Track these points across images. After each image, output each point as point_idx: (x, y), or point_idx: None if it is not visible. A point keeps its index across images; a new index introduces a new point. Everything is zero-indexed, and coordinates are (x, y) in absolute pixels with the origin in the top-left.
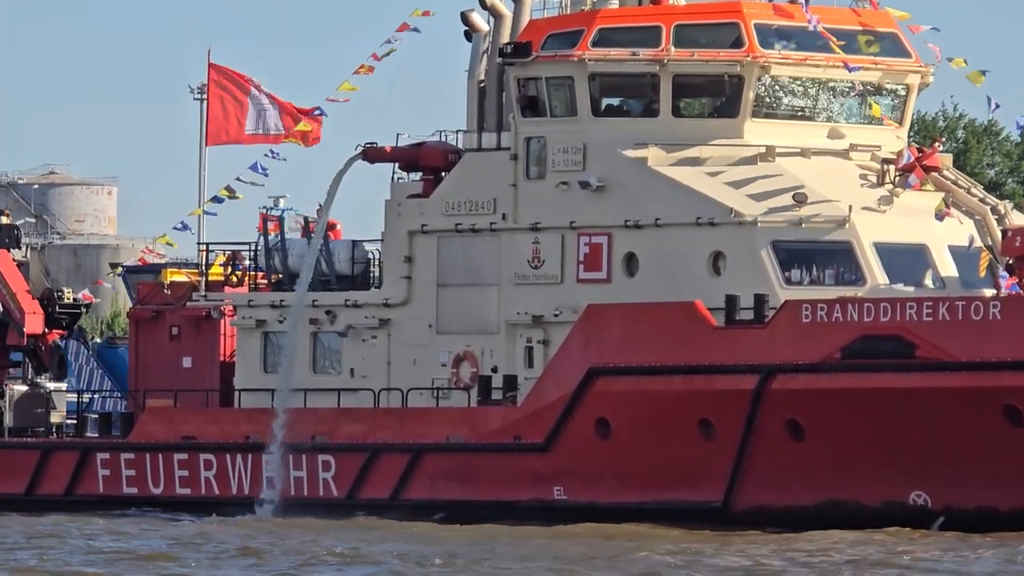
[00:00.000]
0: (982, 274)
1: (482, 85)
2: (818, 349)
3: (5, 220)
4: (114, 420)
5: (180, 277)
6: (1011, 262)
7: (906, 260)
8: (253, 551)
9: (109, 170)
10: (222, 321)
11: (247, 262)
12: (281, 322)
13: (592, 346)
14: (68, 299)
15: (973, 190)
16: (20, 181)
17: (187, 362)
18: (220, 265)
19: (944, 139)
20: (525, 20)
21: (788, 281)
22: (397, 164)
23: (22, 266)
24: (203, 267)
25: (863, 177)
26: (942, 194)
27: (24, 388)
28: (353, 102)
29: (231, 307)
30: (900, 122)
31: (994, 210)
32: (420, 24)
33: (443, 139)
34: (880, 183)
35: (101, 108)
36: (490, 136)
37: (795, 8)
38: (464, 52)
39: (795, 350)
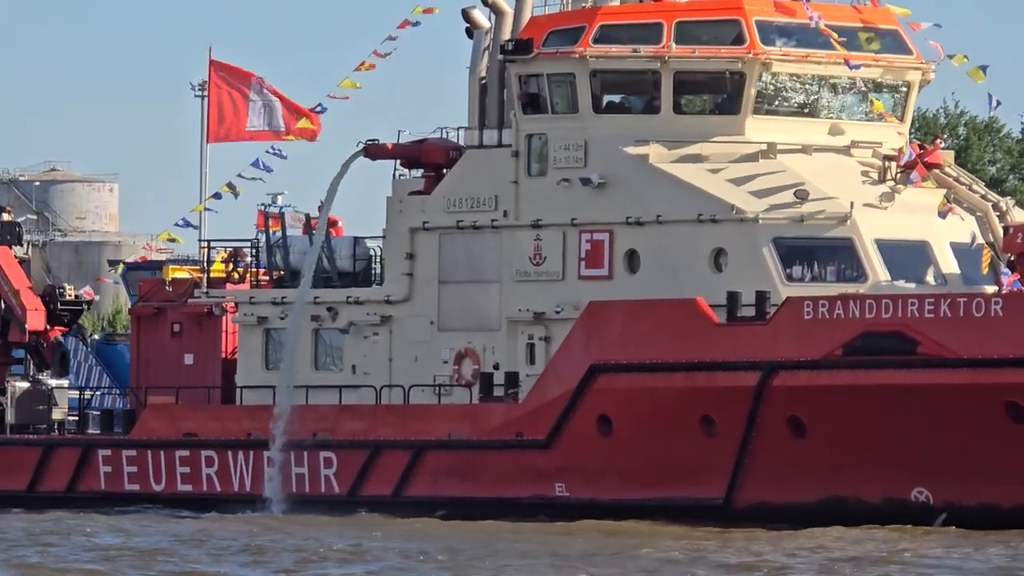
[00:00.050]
0: (985, 271)
1: (483, 82)
2: (819, 346)
3: (7, 217)
4: (116, 417)
5: (182, 274)
6: (1013, 259)
7: (908, 257)
8: (255, 548)
9: (110, 167)
10: (224, 318)
11: (249, 259)
12: (283, 319)
13: (594, 343)
14: (70, 296)
15: (975, 187)
16: (21, 178)
17: (189, 359)
18: (222, 262)
19: (945, 136)
20: (526, 17)
21: (789, 278)
22: (399, 161)
23: (24, 263)
24: (205, 264)
25: (864, 174)
26: (943, 191)
27: (26, 385)
28: (354, 99)
29: (233, 304)
30: (901, 119)
31: (996, 207)
32: (421, 20)
33: (444, 136)
34: (881, 180)
35: (102, 105)
36: (491, 133)
37: (796, 5)
38: (465, 49)
39: (797, 347)
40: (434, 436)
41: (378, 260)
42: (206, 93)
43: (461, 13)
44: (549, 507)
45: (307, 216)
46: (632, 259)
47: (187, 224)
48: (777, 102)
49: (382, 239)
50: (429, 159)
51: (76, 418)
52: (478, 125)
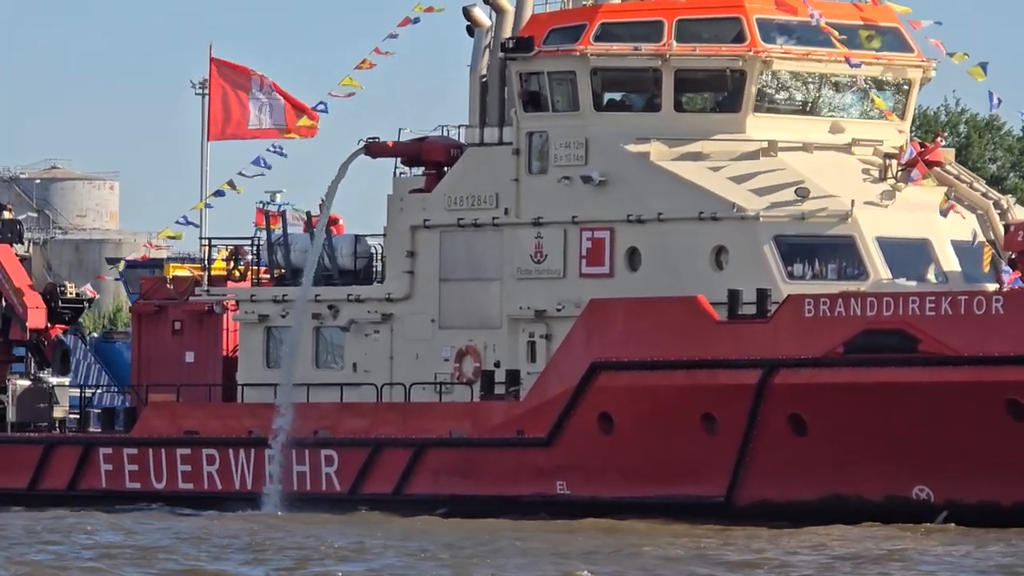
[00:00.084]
0: (986, 269)
1: (484, 80)
2: (821, 344)
3: (7, 215)
4: (117, 415)
5: (183, 272)
6: (1014, 257)
7: (908, 255)
8: (256, 546)
9: (111, 165)
10: (225, 316)
11: (249, 257)
12: (284, 317)
13: (594, 341)
14: (71, 294)
15: (975, 185)
16: (22, 176)
17: (190, 357)
18: (223, 260)
19: (946, 134)
20: (527, 15)
21: (791, 276)
22: (399, 159)
23: (24, 261)
24: (206, 262)
25: (865, 172)
26: (944, 189)
27: (27, 383)
28: (355, 97)
29: (234, 302)
30: (902, 117)
31: (996, 205)
32: (422, 18)
33: (445, 134)
34: (882, 178)
35: (103, 103)
36: (492, 131)
37: (797, 3)
38: (466, 47)
39: (798, 345)
40: (435, 434)
41: (379, 258)
42: (207, 91)
43: (462, 11)
44: (550, 505)
45: (308, 214)
46: (633, 257)
47: (188, 222)
48: (778, 100)
49: (383, 237)
50: (430, 157)
51: (77, 416)
52: (479, 123)
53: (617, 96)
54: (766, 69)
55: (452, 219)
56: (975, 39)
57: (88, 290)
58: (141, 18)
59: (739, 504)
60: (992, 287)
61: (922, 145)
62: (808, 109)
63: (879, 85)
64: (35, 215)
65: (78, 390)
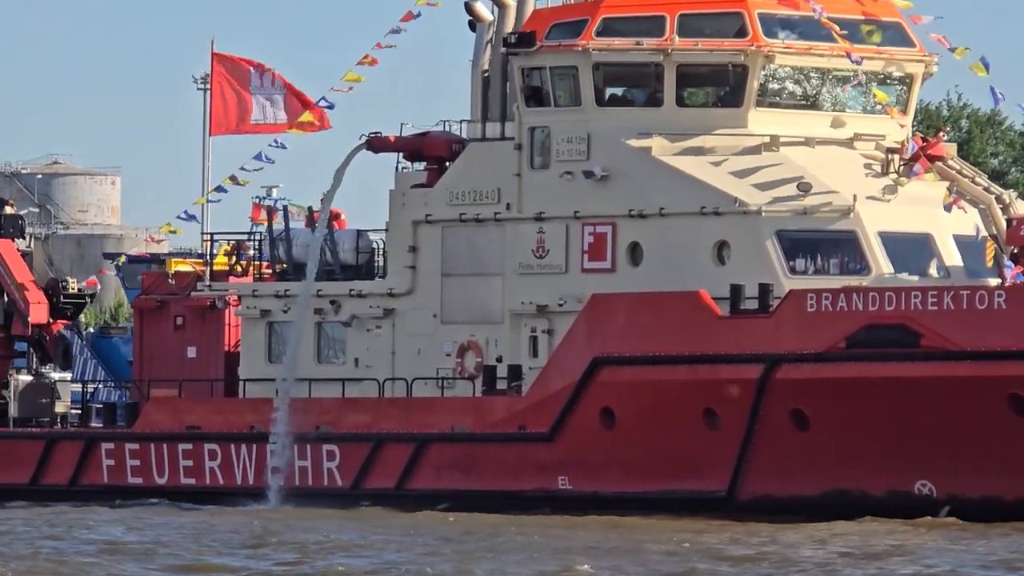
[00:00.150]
0: (989, 264)
1: (486, 75)
2: (823, 338)
3: (9, 210)
4: (119, 410)
5: (184, 267)
6: (1016, 251)
7: (911, 249)
8: (258, 541)
9: (112, 160)
10: (226, 311)
11: (251, 252)
12: (286, 312)
13: (596, 336)
14: (72, 289)
15: (977, 180)
16: (24, 171)
17: (192, 352)
18: (224, 255)
19: (948, 129)
20: (529, 10)
21: (793, 270)
22: (401, 154)
23: (26, 256)
24: (208, 257)
25: (867, 166)
26: (946, 183)
27: (29, 378)
28: (357, 92)
29: (235, 297)
30: (904, 112)
31: (999, 199)
32: (423, 12)
33: (447, 129)
34: (884, 172)
35: (104, 98)
36: (494, 126)
37: None
38: (468, 42)
39: (800, 339)
40: (437, 429)
41: (381, 253)
42: (208, 86)
43: (464, 6)
44: (552, 500)
45: (309, 209)
46: (635, 252)
47: (190, 217)
48: (780, 95)
49: (385, 232)
50: (432, 152)
51: (79, 411)
52: (481, 118)
53: (619, 91)
54: (768, 64)
55: (454, 214)
56: (977, 34)
57: (89, 281)
58: (143, 13)
59: (741, 499)
60: (994, 282)
61: (924, 140)
62: (810, 104)
63: (881, 80)
64: (37, 210)
65: (80, 385)
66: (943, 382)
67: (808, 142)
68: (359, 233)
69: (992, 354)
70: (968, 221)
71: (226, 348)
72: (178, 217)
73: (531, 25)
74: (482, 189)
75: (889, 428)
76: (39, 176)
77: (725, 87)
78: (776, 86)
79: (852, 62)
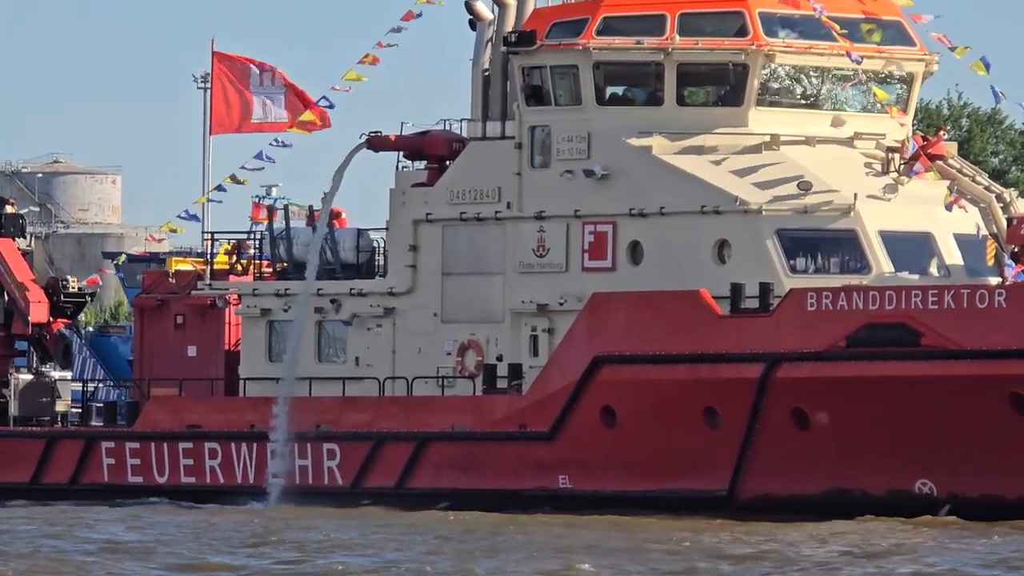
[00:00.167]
0: (991, 262)
1: (486, 74)
2: (823, 337)
3: (10, 209)
4: (119, 409)
5: (185, 266)
6: (1016, 250)
7: (911, 248)
8: (259, 539)
9: (113, 159)
10: (227, 310)
11: (252, 251)
12: (286, 311)
13: (597, 335)
14: (73, 288)
15: (978, 178)
16: (24, 170)
17: (192, 351)
18: (225, 254)
19: (948, 128)
20: (529, 9)
21: (793, 269)
22: (402, 153)
23: (27, 255)
24: (208, 256)
25: (868, 165)
26: (946, 182)
27: (29, 377)
28: (358, 91)
29: (236, 296)
30: (904, 110)
31: (999, 198)
32: (424, 12)
33: (448, 128)
34: (885, 171)
35: (105, 97)
36: (494, 125)
37: None
38: (468, 41)
39: (800, 338)
40: (437, 428)
41: (381, 252)
42: (209, 85)
43: (464, 5)
44: (552, 499)
45: (310, 208)
46: (635, 251)
47: (191, 217)
48: (780, 94)
49: (385, 231)
50: (432, 151)
51: (79, 410)
52: (481, 117)
53: (619, 90)
54: (768, 63)
55: (454, 213)
56: (977, 32)
57: (89, 280)
58: (143, 12)
59: (741, 498)
60: (995, 281)
61: (924, 139)
62: (810, 103)
63: (881, 79)
64: (37, 209)
65: (80, 384)
66: (943, 381)
67: (808, 141)
68: (360, 232)
69: (992, 353)
70: (968, 220)
71: (226, 347)
72: (179, 216)
73: (531, 24)
74: (482, 188)
75: (889, 427)
76: (40, 175)
77: (725, 86)
78: (776, 85)
79: (852, 61)
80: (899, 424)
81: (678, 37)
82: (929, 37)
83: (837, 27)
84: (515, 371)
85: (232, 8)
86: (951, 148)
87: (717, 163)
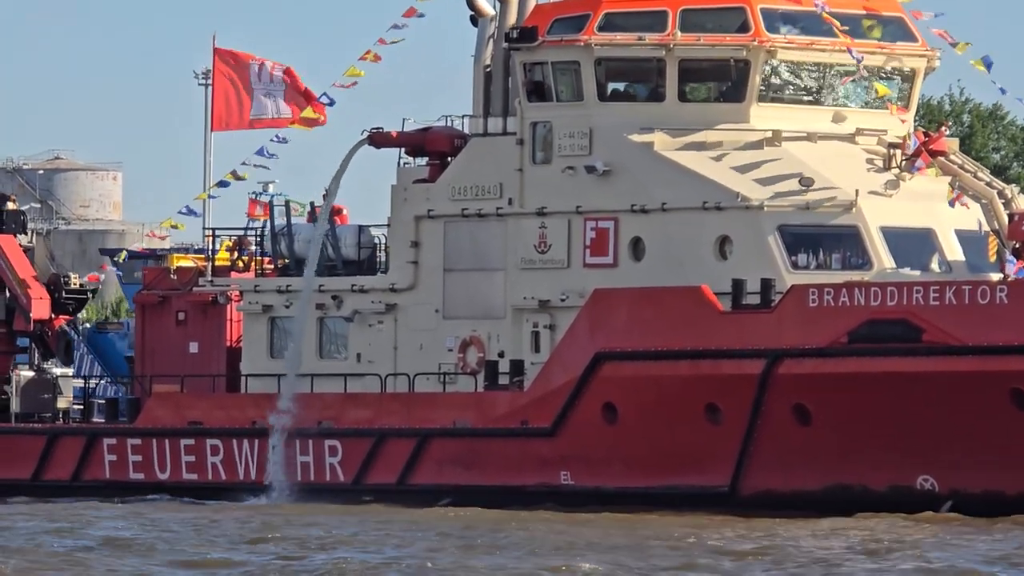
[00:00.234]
0: (993, 259)
1: (488, 70)
2: (825, 333)
3: (11, 205)
4: (121, 405)
5: (186, 262)
6: (1018, 246)
7: (913, 244)
8: (260, 536)
9: (114, 155)
10: (228, 306)
11: (253, 247)
12: (287, 307)
13: (598, 331)
14: (74, 284)
15: (979, 174)
16: (25, 166)
17: (193, 347)
18: (226, 250)
19: (950, 123)
20: (531, 5)
21: (795, 265)
22: (403, 149)
23: (28, 251)
24: (209, 252)
25: (869, 161)
26: (948, 178)
27: (31, 373)
28: (359, 88)
29: (237, 292)
30: (906, 106)
31: (1001, 194)
32: (426, 9)
33: (449, 124)
34: (886, 167)
35: (106, 93)
36: (496, 121)
37: None
38: (470, 37)
39: (802, 334)
40: (439, 424)
41: (383, 248)
42: (210, 82)
43: (465, 1)
44: (554, 495)
45: (311, 204)
46: (637, 247)
47: (190, 211)
48: (782, 90)
49: (387, 227)
50: (434, 147)
51: (81, 407)
52: (483, 113)
53: (621, 86)
54: (770, 59)
55: (456, 209)
56: (979, 28)
57: (90, 276)
58: (144, 9)
59: (743, 494)
60: (996, 277)
61: (926, 135)
62: (812, 99)
63: (885, 76)
64: (38, 205)
65: (82, 381)
66: (945, 377)
67: (810, 137)
68: (361, 228)
69: (994, 349)
70: (970, 216)
71: (228, 343)
72: (179, 212)
73: (533, 20)
74: (484, 184)
75: (891, 423)
76: (41, 172)
77: (727, 82)
78: (778, 81)
79: (853, 57)
80: (901, 420)
81: (680, 33)
82: (930, 33)
83: (838, 23)
84: (517, 367)
85: (233, 5)
86: (952, 144)
87: (719, 159)
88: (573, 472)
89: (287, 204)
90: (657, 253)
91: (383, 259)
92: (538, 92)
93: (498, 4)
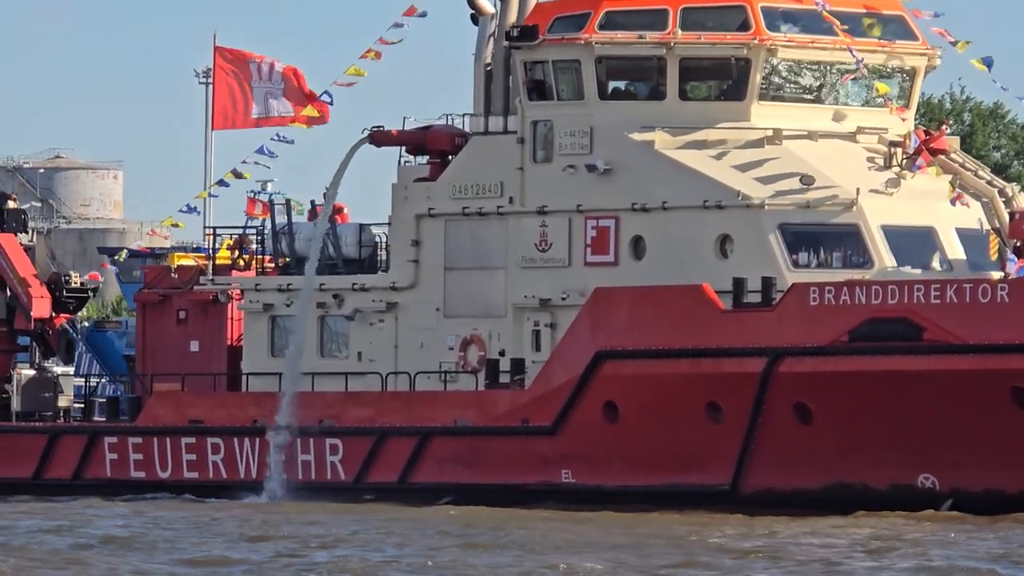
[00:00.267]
0: (994, 257)
1: (489, 68)
2: (826, 332)
3: (12, 204)
4: (122, 404)
5: (187, 261)
6: (1018, 245)
7: (913, 243)
8: (260, 534)
9: (115, 154)
10: (229, 305)
11: (254, 246)
12: (288, 306)
13: (599, 329)
14: (75, 283)
15: (980, 173)
16: (26, 165)
17: (194, 346)
18: (227, 249)
19: (951, 122)
20: (532, 3)
21: (795, 264)
22: (404, 148)
23: (29, 250)
24: (210, 251)
25: (870, 160)
26: (950, 177)
27: (32, 372)
28: (360, 86)
29: (238, 291)
30: (907, 105)
31: (1001, 193)
32: (427, 7)
33: (450, 123)
34: (887, 166)
35: (106, 92)
36: (497, 119)
37: None
38: (470, 35)
39: (803, 333)
40: (440, 423)
41: (384, 247)
42: (211, 80)
43: (466, 0)
44: (555, 494)
45: (312, 203)
46: (638, 245)
47: (191, 209)
48: (783, 88)
49: (387, 226)
50: (434, 146)
51: (82, 405)
52: (483, 112)
53: (622, 85)
54: (771, 57)
55: (457, 208)
56: (979, 27)
57: (91, 275)
58: (145, 7)
59: (744, 492)
60: (997, 275)
61: (927, 133)
62: (813, 97)
63: (886, 75)
64: (39, 204)
65: (83, 379)
66: (946, 375)
67: (811, 135)
68: (362, 227)
69: (995, 347)
70: (971, 215)
71: (229, 342)
72: (180, 210)
73: (533, 18)
74: (485, 183)
75: (892, 421)
76: (41, 170)
77: (728, 81)
78: (779, 80)
79: (854, 56)
80: (901, 418)
81: (680, 31)
82: (931, 32)
83: (838, 23)
84: (517, 366)
85: (234, 4)
86: (953, 142)
87: (719, 158)
88: (574, 471)
89: (288, 203)
90: (658, 252)
91: (384, 258)
92: (539, 91)
93: (499, 2)
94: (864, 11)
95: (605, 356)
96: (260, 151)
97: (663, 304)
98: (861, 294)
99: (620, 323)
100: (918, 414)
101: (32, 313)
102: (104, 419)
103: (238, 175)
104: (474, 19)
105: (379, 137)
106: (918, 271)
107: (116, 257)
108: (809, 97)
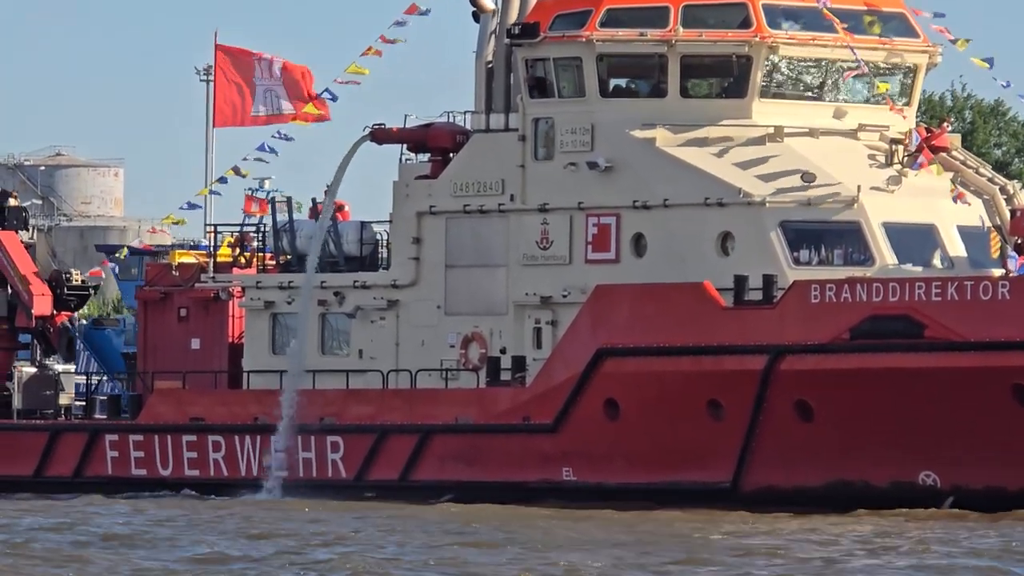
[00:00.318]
0: (995, 255)
1: (490, 66)
2: (827, 329)
3: (12, 202)
4: (123, 402)
5: (188, 259)
6: (1020, 242)
7: (915, 240)
8: (261, 532)
9: (115, 152)
10: (230, 302)
11: (255, 243)
12: (289, 303)
13: (600, 327)
14: (76, 280)
15: (981, 170)
16: (26, 163)
17: (195, 344)
18: (228, 246)
19: (952, 119)
20: (533, 0)
21: (797, 261)
22: (405, 145)
23: (29, 248)
24: (211, 248)
25: (871, 157)
26: (951, 175)
27: (33, 370)
28: (361, 84)
29: (239, 288)
30: (908, 103)
31: (1003, 190)
32: (429, 4)
33: (451, 120)
34: (888, 163)
35: (107, 89)
36: (498, 117)
37: None
38: (472, 33)
39: (804, 330)
40: (441, 420)
41: (385, 244)
42: (211, 78)
43: None
44: (556, 491)
45: (313, 200)
46: (639, 243)
47: (192, 207)
48: (784, 85)
49: (389, 223)
50: (436, 143)
51: (83, 403)
52: (485, 109)
53: (623, 82)
54: (772, 55)
55: (458, 205)
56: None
57: (92, 272)
58: (146, 5)
59: (745, 490)
60: (998, 272)
61: (928, 131)
62: (814, 95)
63: (887, 72)
64: (40, 202)
65: (84, 377)
66: (947, 373)
67: (812, 133)
68: (363, 225)
69: (996, 344)
70: (972, 212)
71: (230, 340)
72: (180, 208)
73: (535, 16)
74: (486, 180)
75: (893, 419)
76: (42, 168)
77: (729, 78)
78: (780, 77)
79: (854, 55)
80: (903, 416)
81: (681, 29)
82: (931, 30)
83: (838, 21)
84: (519, 363)
85: (235, 1)
86: (954, 140)
87: (720, 155)
88: (575, 468)
89: (289, 200)
90: (659, 249)
91: (385, 255)
92: (540, 88)
93: (500, 0)
94: (865, 8)
95: (606, 354)
96: (261, 148)
97: (664, 302)
98: (862, 292)
99: (621, 321)
100: (919, 411)
101: (33, 311)
102: (105, 417)
103: (239, 173)
104: (475, 17)
105: (380, 135)
106: (919, 269)
107: (116, 255)
108: (810, 94)
